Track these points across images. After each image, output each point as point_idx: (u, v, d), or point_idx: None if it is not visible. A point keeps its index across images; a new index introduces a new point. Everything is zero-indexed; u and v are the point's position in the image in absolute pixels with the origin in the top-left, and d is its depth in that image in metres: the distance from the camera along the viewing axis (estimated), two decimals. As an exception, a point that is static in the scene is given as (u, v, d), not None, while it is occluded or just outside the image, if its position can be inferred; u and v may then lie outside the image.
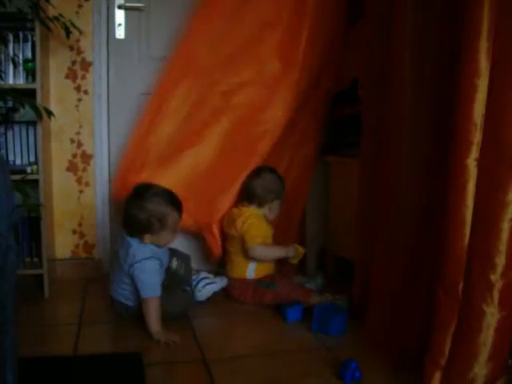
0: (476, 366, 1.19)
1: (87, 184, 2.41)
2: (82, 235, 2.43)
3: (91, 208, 2.42)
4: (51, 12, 2.09)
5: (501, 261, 1.15)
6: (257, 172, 2.16)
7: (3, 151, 2.12)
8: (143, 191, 1.80)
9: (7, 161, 2.13)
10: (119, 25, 2.38)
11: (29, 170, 2.06)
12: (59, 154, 2.37)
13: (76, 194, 2.40)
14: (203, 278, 2.08)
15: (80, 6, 2.31)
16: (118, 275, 1.83)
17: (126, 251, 1.78)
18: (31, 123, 2.14)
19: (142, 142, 2.15)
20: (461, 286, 1.22)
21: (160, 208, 1.76)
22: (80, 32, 2.20)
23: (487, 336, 1.18)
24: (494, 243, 1.16)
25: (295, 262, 2.18)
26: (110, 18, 2.37)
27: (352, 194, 2.02)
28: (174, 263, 1.98)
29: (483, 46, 1.16)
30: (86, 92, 2.37)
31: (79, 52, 2.34)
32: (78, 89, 2.36)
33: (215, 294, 2.08)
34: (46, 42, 2.21)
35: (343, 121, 2.37)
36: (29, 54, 2.09)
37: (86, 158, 2.40)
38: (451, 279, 1.23)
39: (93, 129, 2.38)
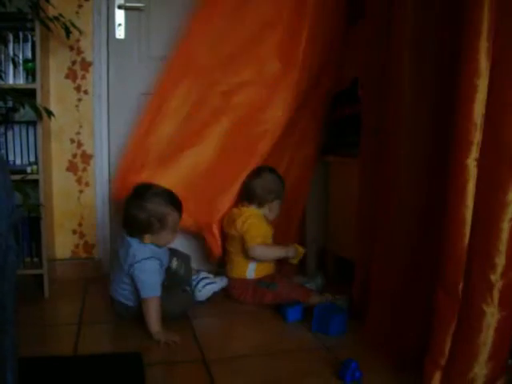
0: (476, 366, 1.19)
1: (87, 184, 2.41)
2: (82, 235, 2.43)
3: (91, 208, 2.42)
4: (51, 12, 2.09)
5: (501, 261, 1.15)
6: (257, 172, 2.16)
7: (3, 151, 2.12)
8: (143, 191, 1.80)
9: (7, 161, 2.13)
10: (119, 25, 2.39)
11: (29, 169, 2.06)
12: (59, 154, 2.37)
13: (76, 194, 2.40)
14: (203, 278, 2.08)
15: (80, 6, 2.31)
16: (118, 275, 1.83)
17: (126, 251, 1.78)
18: (31, 123, 2.14)
19: (141, 142, 2.15)
20: (461, 285, 1.22)
21: (160, 208, 1.76)
22: (80, 32, 2.20)
23: (487, 336, 1.18)
24: (494, 243, 1.16)
25: (295, 262, 2.18)
26: (110, 18, 2.37)
27: (352, 194, 2.02)
28: (174, 263, 1.98)
29: (483, 45, 1.16)
30: (86, 92, 2.37)
31: (79, 52, 2.34)
32: (77, 89, 2.36)
33: (215, 293, 2.08)
34: (46, 41, 2.21)
35: (343, 121, 2.37)
36: (29, 54, 2.09)
37: (86, 157, 2.40)
38: (451, 279, 1.23)
39: (93, 129, 2.38)
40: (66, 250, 2.42)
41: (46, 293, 2.10)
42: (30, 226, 2.16)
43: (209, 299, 2.07)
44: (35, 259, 2.17)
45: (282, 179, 2.22)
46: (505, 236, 1.15)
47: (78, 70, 2.35)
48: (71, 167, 2.39)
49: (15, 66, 2.06)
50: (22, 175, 1.99)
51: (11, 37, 2.07)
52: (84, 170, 2.40)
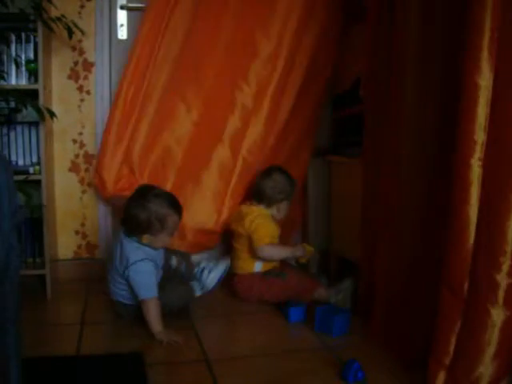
0: (480, 365, 1.19)
1: (90, 184, 2.41)
2: (84, 236, 2.43)
3: (94, 208, 2.42)
4: (53, 13, 2.09)
5: (506, 260, 1.15)
6: (267, 172, 2.18)
7: (6, 152, 2.13)
8: (145, 191, 1.81)
9: (9, 161, 2.13)
10: (121, 25, 2.39)
11: (31, 170, 2.06)
12: (61, 154, 2.37)
13: (78, 195, 2.41)
14: (204, 269, 2.06)
15: (82, 7, 2.31)
16: (114, 276, 1.83)
17: (121, 253, 1.79)
18: (33, 124, 2.14)
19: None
20: (466, 285, 1.22)
21: (161, 209, 1.77)
22: (82, 32, 2.20)
23: (492, 336, 1.17)
24: (499, 243, 1.16)
25: (304, 260, 2.19)
26: (113, 19, 2.37)
27: (354, 194, 2.01)
28: (174, 261, 1.99)
29: (486, 45, 1.16)
30: (88, 92, 2.37)
31: (81, 52, 2.34)
32: (80, 89, 2.36)
33: (222, 278, 2.03)
34: (49, 42, 2.21)
35: (344, 121, 2.38)
36: (31, 55, 2.09)
37: (89, 158, 2.40)
38: (456, 279, 1.23)
39: (95, 129, 2.38)
40: (69, 250, 2.42)
41: (48, 293, 2.10)
42: (33, 226, 2.16)
43: (219, 284, 2.04)
44: (38, 259, 2.17)
45: (293, 180, 2.22)
46: (510, 236, 1.14)
47: (81, 70, 2.35)
48: (74, 168, 2.39)
49: (17, 66, 2.07)
50: (25, 176, 2.00)
51: (13, 37, 2.07)
52: (86, 170, 2.40)
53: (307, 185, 2.53)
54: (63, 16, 2.04)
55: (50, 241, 2.11)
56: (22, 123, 2.17)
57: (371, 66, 1.82)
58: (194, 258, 2.15)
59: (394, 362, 1.50)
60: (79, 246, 2.43)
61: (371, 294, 1.77)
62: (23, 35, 2.08)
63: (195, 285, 1.97)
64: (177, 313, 1.84)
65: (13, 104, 2.12)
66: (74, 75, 2.35)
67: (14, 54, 2.07)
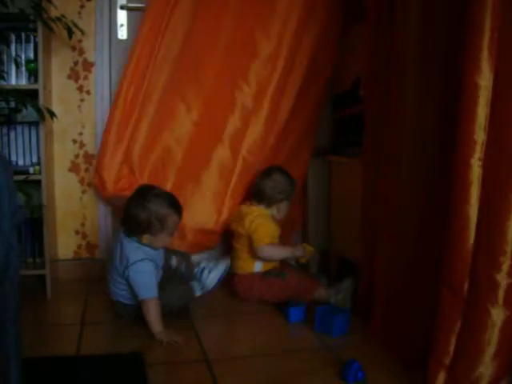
0: (480, 365, 1.19)
1: (90, 184, 2.41)
2: (84, 236, 2.43)
3: (94, 208, 2.42)
4: (53, 13, 2.09)
5: (506, 260, 1.15)
6: (267, 172, 2.18)
7: (6, 152, 2.13)
8: (145, 191, 1.81)
9: (9, 161, 2.13)
10: (121, 25, 2.39)
11: (31, 170, 2.06)
12: (61, 154, 2.37)
13: (78, 195, 2.41)
14: (204, 269, 2.06)
15: (82, 7, 2.31)
16: (114, 275, 1.83)
17: (121, 253, 1.79)
18: (33, 124, 2.14)
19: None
20: (466, 285, 1.22)
21: (161, 209, 1.77)
22: (82, 32, 2.20)
23: (492, 335, 1.17)
24: (499, 243, 1.16)
25: (304, 260, 2.19)
26: (112, 19, 2.37)
27: (354, 194, 2.02)
28: (174, 261, 1.99)
29: (486, 45, 1.16)
30: (88, 92, 2.37)
31: (81, 52, 2.34)
32: (80, 89, 2.36)
33: (222, 277, 2.03)
34: (48, 42, 2.21)
35: (344, 121, 2.38)
36: (31, 55, 2.09)
37: (89, 158, 2.40)
38: (456, 278, 1.23)
39: (95, 129, 2.38)
40: (69, 250, 2.42)
41: (48, 293, 2.10)
42: (33, 226, 2.16)
43: (219, 284, 2.05)
44: (38, 260, 2.17)
45: (293, 180, 2.23)
46: (510, 236, 1.14)
47: (81, 70, 2.35)
48: (73, 168, 2.39)
49: (17, 66, 2.07)
50: (25, 176, 2.00)
51: (13, 37, 2.07)
52: (86, 170, 2.40)
53: (307, 185, 2.53)
54: (63, 16, 2.04)
55: (49, 241, 2.11)
56: (21, 123, 2.16)
57: (371, 65, 1.83)
58: (194, 257, 2.16)
59: (393, 361, 1.50)
60: (79, 246, 2.43)
61: (371, 294, 1.77)
62: (23, 35, 2.08)
63: (195, 285, 1.97)
64: (177, 313, 1.84)
65: (13, 104, 2.12)
66: (73, 75, 2.35)
67: (13, 53, 2.07)
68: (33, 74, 2.07)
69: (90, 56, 2.35)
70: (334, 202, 2.46)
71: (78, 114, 2.37)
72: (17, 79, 2.08)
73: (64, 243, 2.41)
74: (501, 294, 1.17)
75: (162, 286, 1.80)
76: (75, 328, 1.78)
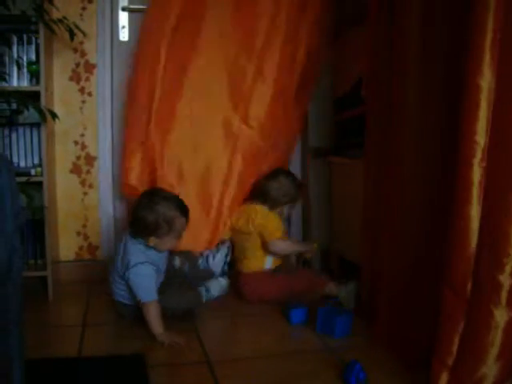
0: (484, 366, 1.19)
1: (91, 186, 2.41)
2: (85, 237, 2.43)
3: (95, 210, 2.42)
4: (55, 14, 2.10)
5: (509, 261, 1.15)
6: (273, 174, 2.19)
7: (7, 153, 2.13)
8: (153, 194, 1.83)
9: (11, 163, 2.13)
10: (123, 27, 2.39)
11: (33, 172, 2.06)
12: (63, 156, 2.37)
13: (80, 196, 2.41)
14: (208, 256, 2.13)
15: (84, 9, 2.32)
16: (115, 276, 1.84)
17: (123, 255, 1.80)
18: (35, 125, 2.14)
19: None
20: (469, 286, 1.22)
21: (169, 211, 1.78)
22: (84, 34, 2.20)
23: (495, 336, 1.17)
24: (502, 244, 1.16)
25: (309, 256, 2.23)
26: (114, 20, 2.38)
27: (355, 195, 2.02)
28: (177, 261, 2.00)
29: (489, 46, 1.16)
30: (89, 94, 2.37)
31: (83, 54, 2.35)
32: (81, 91, 2.36)
33: (227, 256, 2.16)
34: (50, 44, 2.21)
35: (346, 123, 2.38)
36: (33, 57, 2.09)
37: (90, 159, 2.40)
38: (459, 279, 1.23)
39: (97, 131, 2.38)
40: (70, 251, 2.42)
41: (50, 295, 2.10)
42: (34, 227, 2.16)
43: (226, 268, 2.16)
44: (39, 261, 2.18)
45: (299, 183, 2.24)
46: (513, 236, 1.15)
47: (82, 72, 2.35)
48: (75, 169, 2.39)
49: (19, 68, 2.07)
50: (26, 177, 2.00)
51: (15, 39, 2.07)
52: (88, 172, 2.41)
53: (308, 186, 2.53)
54: (65, 18, 2.04)
55: (51, 242, 2.11)
56: (23, 125, 2.17)
57: (373, 66, 1.82)
58: (195, 252, 2.19)
59: (396, 362, 1.49)
60: (81, 248, 2.43)
61: (373, 295, 1.77)
62: (25, 37, 2.09)
63: (202, 290, 1.98)
64: (181, 316, 1.84)
65: (14, 105, 2.12)
66: (75, 77, 2.35)
67: (15, 55, 2.07)
68: (34, 75, 2.08)
69: (92, 58, 2.36)
70: (335, 203, 2.46)
71: (80, 115, 2.37)
72: (18, 81, 2.09)
73: (65, 244, 2.41)
74: (504, 295, 1.16)
75: (167, 288, 1.80)
76: (77, 329, 1.78)
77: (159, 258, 1.84)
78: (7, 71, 2.05)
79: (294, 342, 1.75)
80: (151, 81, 2.13)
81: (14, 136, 2.15)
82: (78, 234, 2.42)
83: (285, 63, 2.19)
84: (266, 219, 2.10)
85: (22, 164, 2.16)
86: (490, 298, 1.18)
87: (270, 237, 2.08)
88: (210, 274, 2.14)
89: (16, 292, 0.96)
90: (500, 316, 1.17)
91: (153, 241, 1.78)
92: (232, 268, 2.24)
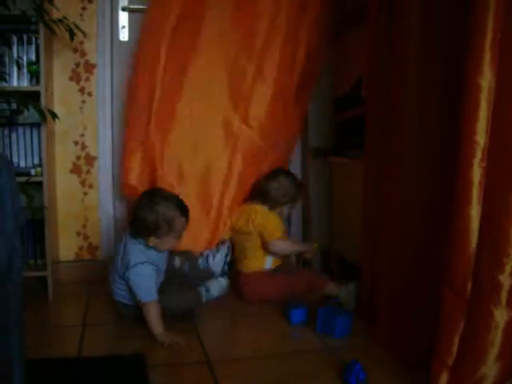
0: (484, 366, 1.19)
1: (91, 186, 2.41)
2: (85, 237, 2.43)
3: (95, 210, 2.42)
4: (55, 14, 2.10)
5: (509, 261, 1.15)
6: (274, 174, 2.19)
7: (7, 153, 2.13)
8: (153, 194, 1.83)
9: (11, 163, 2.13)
10: (123, 27, 2.39)
11: (33, 172, 2.06)
12: (63, 156, 2.37)
13: (80, 196, 2.41)
14: (208, 255, 2.13)
15: (84, 9, 2.32)
16: (115, 275, 1.84)
17: (123, 255, 1.80)
18: (35, 125, 2.14)
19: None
20: (469, 286, 1.22)
21: (169, 211, 1.78)
22: (84, 34, 2.20)
23: (495, 337, 1.17)
24: (502, 244, 1.15)
25: (309, 256, 2.23)
26: (114, 20, 2.38)
27: (355, 195, 2.02)
28: (177, 261, 2.00)
29: (489, 46, 1.16)
30: (89, 94, 2.37)
31: (83, 54, 2.35)
32: (81, 91, 2.36)
33: (227, 256, 2.17)
34: (50, 44, 2.21)
35: (346, 123, 2.38)
36: (33, 57, 2.09)
37: (90, 160, 2.40)
38: (459, 279, 1.23)
39: (97, 131, 2.39)
40: (70, 251, 2.42)
41: (50, 295, 2.10)
42: (34, 228, 2.16)
43: (226, 267, 2.17)
44: (39, 261, 2.18)
45: (299, 183, 2.24)
46: (513, 236, 1.15)
47: (82, 72, 2.36)
48: (75, 169, 2.39)
49: (19, 68, 2.07)
50: (26, 177, 2.00)
51: (15, 39, 2.07)
52: (88, 172, 2.41)
53: (308, 186, 2.53)
54: (65, 18, 2.04)
55: (51, 242, 2.11)
56: (23, 125, 2.17)
57: (373, 65, 1.82)
58: (195, 252, 2.19)
59: (396, 362, 1.49)
60: (81, 248, 2.43)
61: (373, 295, 1.77)
62: (25, 37, 2.09)
63: (202, 290, 1.98)
64: (181, 316, 1.85)
65: (14, 105, 2.12)
66: (75, 77, 2.35)
67: (15, 55, 2.07)
68: (34, 75, 2.08)
69: (92, 58, 2.36)
70: (335, 203, 2.46)
71: (80, 115, 2.37)
72: (18, 81, 2.09)
73: (65, 245, 2.41)
74: (504, 295, 1.16)
75: (167, 288, 1.81)
76: (77, 330, 1.78)
77: (159, 258, 1.84)
78: (7, 71, 2.05)
79: (294, 341, 1.75)
80: (151, 81, 2.13)
81: (13, 136, 2.15)
82: (78, 234, 2.42)
83: (285, 63, 2.19)
84: (266, 219, 2.10)
85: (22, 164, 2.16)
86: (490, 298, 1.18)
87: (270, 237, 2.08)
88: (209, 274, 2.14)
89: (16, 292, 0.96)
90: (500, 316, 1.17)
91: (153, 241, 1.78)
92: (232, 268, 2.24)
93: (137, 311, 1.77)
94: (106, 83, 2.36)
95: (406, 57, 1.55)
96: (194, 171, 2.19)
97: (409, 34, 1.53)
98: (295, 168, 2.56)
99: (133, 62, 2.20)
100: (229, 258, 2.21)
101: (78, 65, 2.35)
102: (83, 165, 2.40)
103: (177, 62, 2.15)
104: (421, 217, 1.52)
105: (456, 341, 1.24)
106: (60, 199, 2.37)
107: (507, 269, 1.15)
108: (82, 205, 2.41)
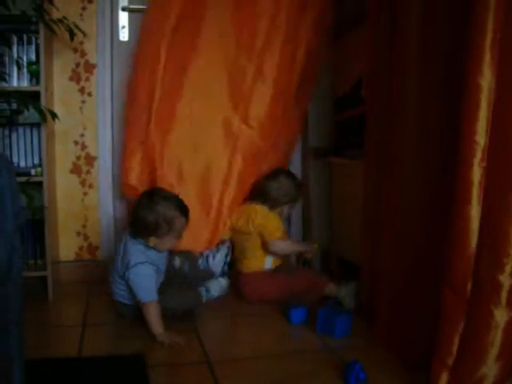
0: (484, 366, 1.19)
1: (91, 186, 2.41)
2: (85, 237, 2.43)
3: (95, 210, 2.42)
4: (55, 14, 2.10)
5: (509, 261, 1.15)
6: (274, 174, 2.20)
7: (7, 153, 2.13)
8: (153, 194, 1.83)
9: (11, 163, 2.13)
10: (123, 27, 2.39)
11: (33, 172, 2.06)
12: (63, 156, 2.37)
13: (80, 196, 2.41)
14: (208, 255, 2.13)
15: (84, 9, 2.32)
16: (115, 275, 1.84)
17: (123, 255, 1.80)
18: (35, 125, 2.14)
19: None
20: (469, 286, 1.22)
21: (169, 211, 1.78)
22: (84, 34, 2.21)
23: (495, 336, 1.17)
24: (502, 244, 1.15)
25: (309, 256, 2.23)
26: (114, 20, 2.38)
27: (355, 195, 2.02)
28: (177, 261, 2.00)
29: (489, 46, 1.16)
30: (89, 94, 2.37)
31: (83, 54, 2.35)
32: (81, 91, 2.36)
33: (227, 256, 2.18)
34: (50, 44, 2.21)
35: (346, 123, 2.38)
36: (33, 57, 2.09)
37: (90, 160, 2.40)
38: (459, 279, 1.23)
39: (97, 131, 2.39)
40: (70, 251, 2.42)
41: (50, 295, 2.10)
42: (34, 228, 2.16)
43: (226, 267, 2.18)
44: (39, 261, 2.18)
45: (299, 183, 2.24)
46: (513, 237, 1.15)
47: (82, 72, 2.36)
48: (75, 169, 2.39)
49: (19, 68, 2.07)
50: (27, 177, 2.00)
51: (15, 39, 2.07)
52: (88, 172, 2.41)
53: (308, 186, 2.53)
54: (65, 18, 2.04)
55: (51, 242, 2.11)
56: (23, 125, 2.17)
57: (373, 65, 1.82)
58: (195, 252, 2.19)
59: (396, 362, 1.49)
60: (81, 248, 2.43)
61: (373, 295, 1.77)
62: (25, 37, 2.09)
63: (202, 290, 1.98)
64: (181, 316, 1.85)
65: (14, 105, 2.12)
66: (75, 77, 2.35)
67: (15, 55, 2.07)
68: (34, 75, 2.08)
69: (92, 58, 2.36)
70: (335, 203, 2.46)
71: (80, 115, 2.37)
72: (18, 81, 2.09)
73: (65, 245, 2.41)
74: (504, 295, 1.16)
75: (164, 289, 1.81)
76: (77, 329, 1.78)
77: (159, 258, 1.84)
78: (7, 71, 2.05)
79: (294, 341, 1.75)
80: (151, 81, 2.13)
81: (14, 136, 2.15)
82: (78, 234, 2.42)
83: (285, 63, 2.20)
84: (266, 219, 2.11)
85: (22, 164, 2.16)
86: (490, 298, 1.18)
87: (270, 237, 2.08)
88: (210, 274, 2.14)
89: (16, 292, 0.96)
90: (500, 316, 1.17)
91: (153, 241, 1.78)
92: (232, 268, 2.24)
93: (137, 311, 1.77)
94: (106, 83, 2.36)
95: (405, 57, 1.55)
96: (194, 171, 2.19)
97: (409, 34, 1.54)
98: (295, 168, 2.56)
99: (133, 62, 2.20)
100: (229, 258, 2.21)
101: (78, 65, 2.35)
102: (83, 165, 2.40)
103: (177, 61, 2.15)
104: (421, 217, 1.52)
105: (456, 341, 1.24)
106: (60, 199, 2.37)
107: (507, 269, 1.15)
108: (81, 205, 2.41)
